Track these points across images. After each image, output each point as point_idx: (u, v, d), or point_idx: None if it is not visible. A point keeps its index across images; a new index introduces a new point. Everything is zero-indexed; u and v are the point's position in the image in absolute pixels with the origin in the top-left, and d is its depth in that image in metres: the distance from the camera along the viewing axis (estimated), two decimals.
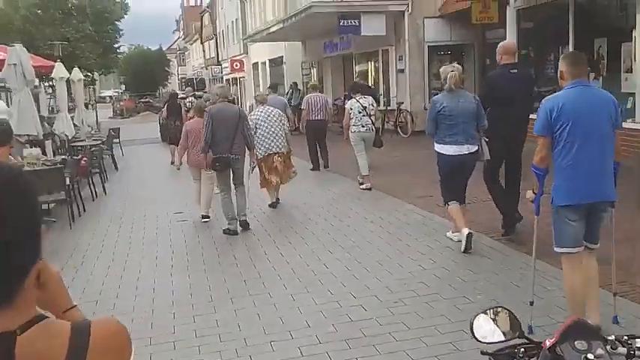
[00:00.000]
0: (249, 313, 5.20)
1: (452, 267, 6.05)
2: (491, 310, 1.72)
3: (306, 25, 19.77)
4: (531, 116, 6.03)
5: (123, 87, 69.79)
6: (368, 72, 21.93)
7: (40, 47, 26.33)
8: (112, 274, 6.64)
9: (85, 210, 10.19)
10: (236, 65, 39.95)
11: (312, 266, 6.38)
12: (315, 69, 27.23)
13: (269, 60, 34.34)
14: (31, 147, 11.36)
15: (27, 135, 11.07)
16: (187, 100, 17.75)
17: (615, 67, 11.31)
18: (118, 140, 19.27)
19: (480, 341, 1.68)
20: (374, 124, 10.59)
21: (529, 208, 5.05)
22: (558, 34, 12.75)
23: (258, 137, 8.92)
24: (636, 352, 1.53)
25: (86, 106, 39.21)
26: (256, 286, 5.89)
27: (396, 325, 4.72)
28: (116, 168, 15.73)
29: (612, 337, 1.54)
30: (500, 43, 6.95)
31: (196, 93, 17.06)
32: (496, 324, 1.68)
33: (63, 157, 11.94)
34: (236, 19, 42.11)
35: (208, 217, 8.79)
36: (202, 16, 58.46)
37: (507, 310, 1.71)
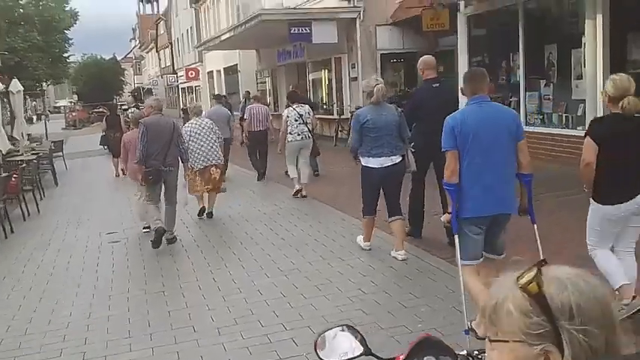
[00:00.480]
0: (167, 351, 4.69)
1: (394, 291, 5.63)
2: (338, 328, 1.65)
3: (257, 33, 19.30)
4: None
5: (75, 97, 68.17)
6: (322, 80, 21.58)
7: None
8: (26, 305, 6.05)
9: (12, 231, 9.53)
10: (191, 74, 39.33)
11: (245, 293, 5.89)
12: (269, 78, 26.77)
13: (224, 68, 33.84)
14: None
15: None
16: (129, 111, 17.08)
17: (566, 73, 11.13)
18: (61, 153, 18.52)
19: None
20: (310, 132, 10.66)
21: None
22: (509, 41, 12.53)
23: (192, 150, 8.79)
24: None
25: (39, 117, 38.13)
26: (181, 318, 5.37)
27: None
28: (56, 183, 14.98)
29: (464, 352, 1.52)
30: (421, 59, 7.04)
31: (139, 104, 16.40)
32: (342, 342, 1.62)
33: None
34: (191, 27, 41.45)
35: (149, 228, 8.40)
36: (157, 24, 57.38)
37: (352, 327, 1.65)
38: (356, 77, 17.61)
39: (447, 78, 12.42)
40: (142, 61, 75.99)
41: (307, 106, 10.92)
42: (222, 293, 5.93)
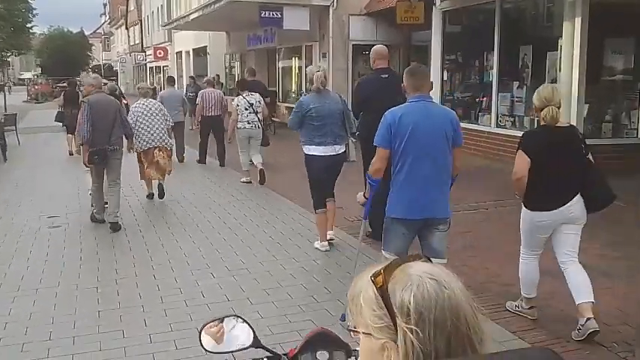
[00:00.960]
0: (88, 359, 4.18)
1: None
2: (225, 319, 1.60)
3: (226, 14, 18.69)
4: None
5: (39, 70, 66.30)
6: (292, 68, 21.05)
7: None
8: None
9: None
10: (159, 53, 38.33)
11: (185, 294, 5.38)
12: (238, 62, 26.10)
13: (193, 49, 33.01)
14: None
15: None
16: None
17: (540, 76, 10.82)
18: (14, 127, 17.67)
19: (208, 351, 1.55)
20: (260, 122, 10.61)
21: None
22: (484, 40, 12.19)
23: (137, 131, 8.77)
24: None
25: (4, 88, 36.77)
26: (111, 319, 4.85)
27: None
28: (4, 159, 14.20)
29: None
30: (373, 48, 6.96)
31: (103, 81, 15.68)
32: (229, 333, 1.58)
33: None
34: (161, 6, 40.34)
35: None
36: (128, 1, 55.97)
37: (242, 318, 1.60)
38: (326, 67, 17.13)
39: None
40: (111, 37, 74.21)
41: (257, 94, 10.82)
42: (160, 293, 5.42)
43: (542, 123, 4.37)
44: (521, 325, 4.60)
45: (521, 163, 4.35)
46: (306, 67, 18.99)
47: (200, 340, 1.55)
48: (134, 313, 5.00)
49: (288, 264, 6.18)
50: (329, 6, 16.58)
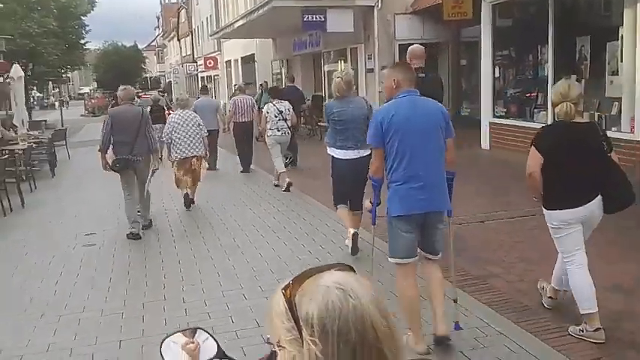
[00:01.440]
0: None
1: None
2: (187, 331, 1.60)
3: (271, 20, 18.43)
4: None
5: (95, 84, 68.17)
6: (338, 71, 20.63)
7: None
8: None
9: None
10: (209, 63, 38.63)
11: (214, 319, 4.99)
12: (284, 68, 25.89)
13: (241, 58, 33.03)
14: None
15: None
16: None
17: (600, 68, 10.05)
18: (64, 142, 17.86)
19: None
20: (289, 129, 10.78)
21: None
22: (537, 33, 11.47)
23: (174, 141, 9.10)
24: None
25: (61, 103, 37.78)
26: (132, 349, 4.50)
27: None
28: (52, 174, 14.25)
29: None
30: (409, 48, 6.83)
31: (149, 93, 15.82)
32: (211, 346, 1.57)
33: None
34: (210, 16, 40.66)
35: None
36: (179, 13, 56.75)
37: (204, 330, 1.60)
38: (372, 69, 16.65)
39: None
40: (165, 50, 75.65)
41: (287, 102, 10.96)
42: (187, 319, 5.05)
43: (556, 119, 4.25)
44: (584, 352, 4.03)
45: (532, 159, 4.23)
46: (351, 69, 18.65)
47: (161, 353, 1.55)
48: (157, 342, 4.63)
49: None
50: (373, 6, 16.09)
